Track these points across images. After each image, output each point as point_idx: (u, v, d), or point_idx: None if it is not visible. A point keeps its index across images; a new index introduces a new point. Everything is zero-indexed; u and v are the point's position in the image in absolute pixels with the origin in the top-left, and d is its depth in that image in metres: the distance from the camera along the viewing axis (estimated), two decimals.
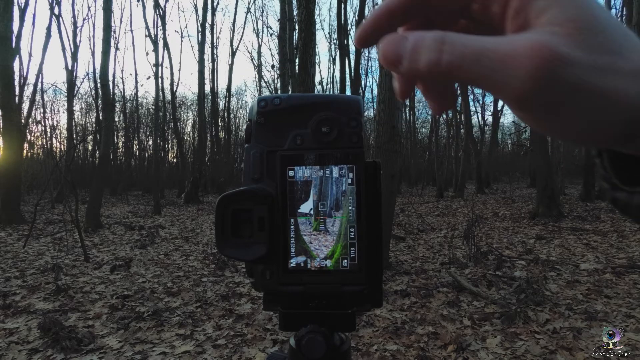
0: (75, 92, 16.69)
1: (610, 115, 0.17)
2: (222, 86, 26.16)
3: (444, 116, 22.79)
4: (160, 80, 13.68)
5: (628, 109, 0.17)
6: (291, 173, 0.35)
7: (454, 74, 0.17)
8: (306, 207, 0.35)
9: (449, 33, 0.18)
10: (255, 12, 40.40)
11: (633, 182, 0.21)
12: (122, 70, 36.46)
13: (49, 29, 13.50)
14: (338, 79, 15.83)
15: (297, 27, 7.31)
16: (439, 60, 0.17)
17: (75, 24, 16.68)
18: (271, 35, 26.70)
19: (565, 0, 0.17)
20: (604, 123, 0.18)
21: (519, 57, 0.16)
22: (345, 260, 0.34)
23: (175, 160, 28.26)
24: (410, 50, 0.18)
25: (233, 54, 21.49)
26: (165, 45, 16.10)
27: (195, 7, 19.88)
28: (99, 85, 13.68)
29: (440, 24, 0.22)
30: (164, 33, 15.62)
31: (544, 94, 0.17)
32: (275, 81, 23.27)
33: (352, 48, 14.20)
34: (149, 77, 19.14)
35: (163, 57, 15.37)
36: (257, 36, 42.74)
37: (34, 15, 14.60)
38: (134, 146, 27.86)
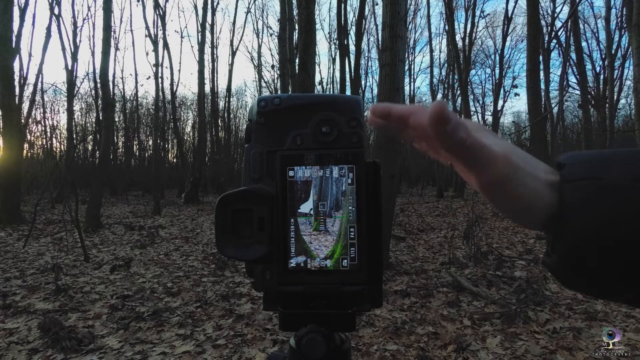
0: (75, 92, 16.67)
1: (535, 210, 0.28)
2: (222, 86, 26.17)
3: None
4: (160, 80, 13.68)
5: (543, 208, 0.27)
6: (291, 173, 0.35)
7: (464, 151, 0.27)
8: (306, 207, 0.35)
9: (470, 129, 0.27)
10: (255, 12, 40.12)
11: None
12: (122, 70, 36.48)
13: (49, 29, 13.49)
14: (338, 79, 15.82)
15: (297, 27, 7.31)
16: (464, 140, 0.27)
17: (75, 24, 16.66)
18: (271, 35, 26.72)
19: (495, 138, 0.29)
20: (532, 212, 0.28)
21: (498, 156, 0.27)
22: (345, 260, 0.34)
23: (175, 160, 28.28)
24: (455, 122, 0.26)
25: (233, 54, 21.50)
26: (165, 45, 16.10)
27: (195, 7, 19.84)
28: (99, 85, 13.69)
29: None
30: (164, 33, 15.62)
31: (505, 178, 0.27)
32: (275, 81, 23.28)
33: (352, 48, 14.20)
34: (149, 77, 19.13)
35: (163, 57, 15.38)
36: (257, 36, 42.69)
37: (34, 15, 14.60)
38: (134, 146, 27.86)
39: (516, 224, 0.31)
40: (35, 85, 15.50)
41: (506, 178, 0.27)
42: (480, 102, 27.34)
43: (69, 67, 15.09)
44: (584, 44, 16.99)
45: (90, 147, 22.35)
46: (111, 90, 13.80)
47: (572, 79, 17.50)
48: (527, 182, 0.27)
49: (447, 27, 16.17)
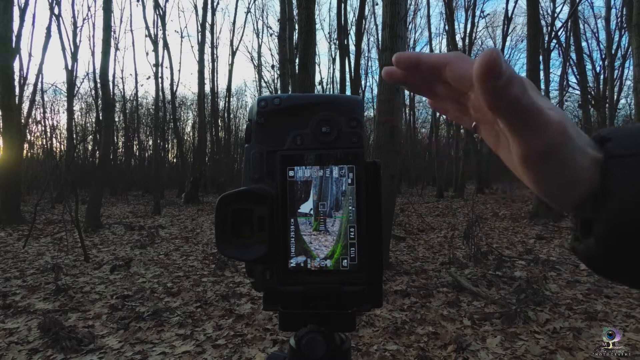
0: (75, 92, 16.67)
1: (576, 187, 0.26)
2: (222, 86, 26.16)
3: (444, 116, 22.73)
4: (160, 80, 13.69)
5: (584, 186, 0.26)
6: (291, 173, 0.35)
7: (517, 112, 0.24)
8: (306, 207, 0.35)
9: (527, 86, 0.24)
10: (255, 12, 40.08)
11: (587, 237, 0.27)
12: (122, 70, 36.43)
13: (49, 29, 13.50)
14: (338, 79, 15.82)
15: (297, 27, 7.31)
16: (519, 98, 0.23)
17: (75, 24, 16.65)
18: (271, 35, 26.71)
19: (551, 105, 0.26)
20: (572, 189, 0.26)
21: (553, 123, 0.25)
22: (345, 260, 0.34)
23: (175, 160, 28.26)
24: (509, 75, 0.23)
25: (233, 54, 21.49)
26: (165, 45, 16.09)
27: (195, 7, 19.82)
28: (99, 85, 13.68)
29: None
30: (164, 33, 15.62)
31: (557, 149, 0.25)
32: (275, 81, 23.27)
33: (352, 48, 14.20)
34: (149, 77, 19.14)
35: (163, 57, 15.38)
36: (257, 36, 42.70)
37: (34, 15, 14.58)
38: (134, 146, 27.84)
39: (547, 201, 0.28)
40: (35, 85, 15.50)
41: (559, 147, 0.25)
42: None
43: (69, 67, 15.10)
44: (584, 44, 16.98)
45: (90, 147, 22.34)
46: (111, 90, 13.82)
47: (572, 79, 17.50)
48: (576, 155, 0.25)
49: (447, 27, 16.17)
